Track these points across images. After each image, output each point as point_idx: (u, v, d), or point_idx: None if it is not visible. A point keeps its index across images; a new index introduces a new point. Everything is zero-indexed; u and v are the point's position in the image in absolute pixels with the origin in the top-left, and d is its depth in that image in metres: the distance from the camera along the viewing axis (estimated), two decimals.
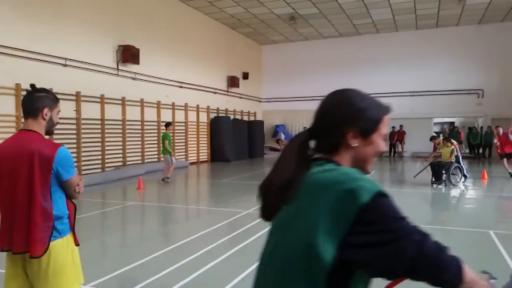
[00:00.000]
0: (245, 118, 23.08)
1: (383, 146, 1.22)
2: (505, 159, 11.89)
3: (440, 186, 10.54)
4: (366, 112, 1.18)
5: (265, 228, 5.04)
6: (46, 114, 2.29)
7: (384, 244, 0.97)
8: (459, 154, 11.18)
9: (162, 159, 12.85)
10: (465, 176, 11.21)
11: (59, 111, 2.42)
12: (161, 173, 12.18)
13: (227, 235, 5.90)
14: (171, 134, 12.26)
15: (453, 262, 0.99)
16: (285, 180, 1.13)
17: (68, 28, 11.64)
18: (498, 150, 12.14)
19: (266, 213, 1.22)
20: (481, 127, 21.09)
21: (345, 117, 1.17)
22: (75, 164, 11.60)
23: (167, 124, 12.17)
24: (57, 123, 2.42)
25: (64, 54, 11.44)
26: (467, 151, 21.37)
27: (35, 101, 2.29)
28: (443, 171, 10.75)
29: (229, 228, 6.38)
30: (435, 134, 12.58)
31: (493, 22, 20.35)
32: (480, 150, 21.02)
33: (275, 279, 1.10)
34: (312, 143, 1.23)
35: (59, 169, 2.21)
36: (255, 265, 4.50)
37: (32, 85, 2.39)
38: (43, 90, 2.35)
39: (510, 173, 11.85)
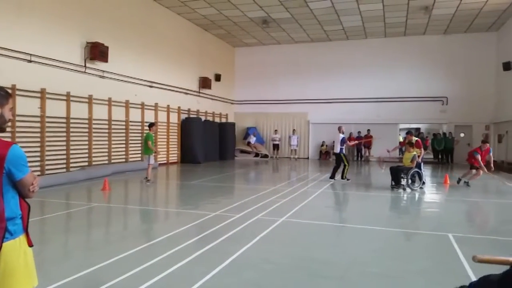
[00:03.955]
0: (217, 119, 22.99)
1: None
2: (473, 170, 12.14)
3: (399, 190, 10.81)
4: None
5: (233, 230, 5.02)
6: None
7: None
8: (421, 160, 11.44)
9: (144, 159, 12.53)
10: (423, 182, 11.37)
11: (12, 107, 2.32)
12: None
13: (195, 237, 5.85)
14: (153, 135, 12.04)
15: None
16: None
17: (33, 22, 11.26)
18: (471, 161, 12.09)
19: None
20: (444, 133, 21.86)
21: None
22: (39, 163, 11.24)
23: (151, 125, 11.98)
24: (10, 120, 2.32)
25: (29, 49, 11.05)
26: (431, 156, 22.11)
27: None
28: (402, 176, 11.02)
29: (197, 230, 6.32)
30: (411, 131, 12.81)
31: (457, 33, 21.20)
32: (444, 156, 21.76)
33: None
34: None
35: (12, 168, 2.11)
36: (221, 266, 4.46)
37: None
38: None
39: (460, 178, 12.27)
